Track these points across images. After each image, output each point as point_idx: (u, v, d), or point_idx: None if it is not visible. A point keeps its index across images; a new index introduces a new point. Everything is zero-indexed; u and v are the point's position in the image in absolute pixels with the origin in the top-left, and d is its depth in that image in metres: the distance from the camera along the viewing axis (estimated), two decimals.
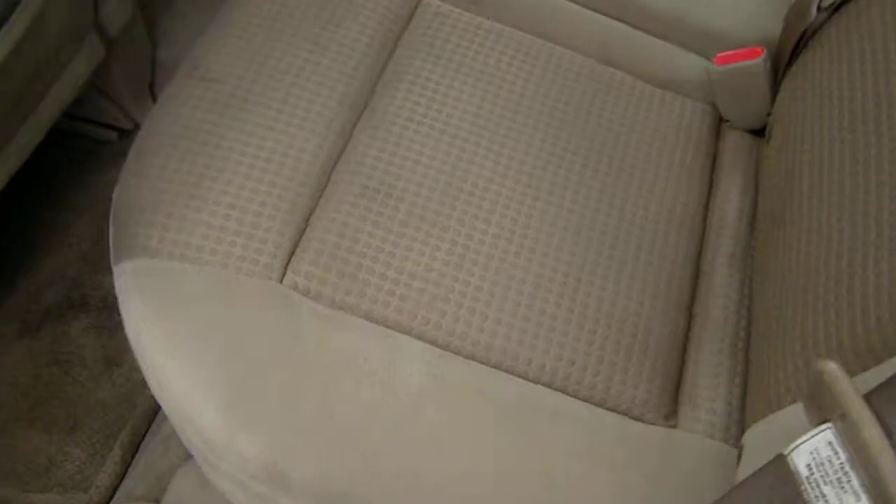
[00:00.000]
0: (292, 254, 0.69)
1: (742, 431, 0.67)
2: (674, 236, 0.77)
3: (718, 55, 0.85)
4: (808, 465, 0.40)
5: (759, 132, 0.88)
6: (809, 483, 0.40)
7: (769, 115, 0.85)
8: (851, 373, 0.51)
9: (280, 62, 0.78)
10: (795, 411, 0.56)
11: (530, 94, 0.83)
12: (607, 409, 0.67)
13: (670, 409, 0.69)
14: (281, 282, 0.67)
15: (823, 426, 0.40)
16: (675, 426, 0.68)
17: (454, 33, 0.85)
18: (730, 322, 0.73)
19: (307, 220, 0.71)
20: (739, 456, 0.61)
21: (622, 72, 0.88)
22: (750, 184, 0.83)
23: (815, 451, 0.40)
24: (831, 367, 0.40)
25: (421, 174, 0.75)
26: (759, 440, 0.59)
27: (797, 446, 0.41)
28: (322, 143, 0.75)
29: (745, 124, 0.88)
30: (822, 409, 0.41)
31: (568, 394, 0.67)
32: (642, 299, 0.72)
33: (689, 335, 0.73)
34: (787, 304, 0.62)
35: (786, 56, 0.79)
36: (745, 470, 0.59)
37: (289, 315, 0.65)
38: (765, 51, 0.82)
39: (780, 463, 0.42)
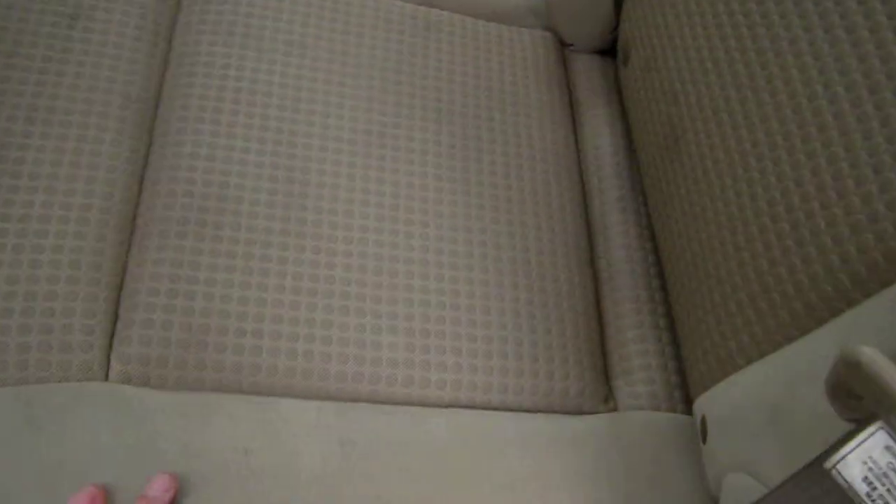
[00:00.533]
0: (112, 336, 0.52)
1: (687, 395, 0.60)
2: (554, 191, 0.68)
3: None
4: (867, 479, 0.32)
5: (606, 52, 0.80)
6: (873, 500, 0.32)
7: (614, 31, 0.77)
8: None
9: (23, 81, 0.58)
10: (755, 372, 0.49)
11: (353, 57, 0.69)
12: (543, 412, 0.58)
13: (606, 391, 0.60)
14: (107, 378, 0.50)
15: (872, 427, 0.33)
16: (615, 409, 0.60)
17: (241, 1, 0.69)
18: (638, 275, 0.65)
19: (120, 284, 0.54)
20: (703, 425, 0.54)
21: (446, 11, 0.76)
22: (616, 113, 0.75)
23: (869, 459, 0.32)
24: (871, 355, 0.32)
25: (252, 183, 0.60)
26: (721, 408, 0.52)
27: (842, 457, 0.33)
28: (112, 173, 0.57)
29: (589, 46, 0.79)
30: (862, 403, 0.33)
31: (495, 408, 0.57)
32: (541, 282, 0.63)
33: (601, 301, 0.65)
34: (705, 250, 0.55)
35: None
36: (717, 441, 0.52)
37: (129, 421, 0.49)
38: None
39: (817, 475, 0.34)
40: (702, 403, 0.55)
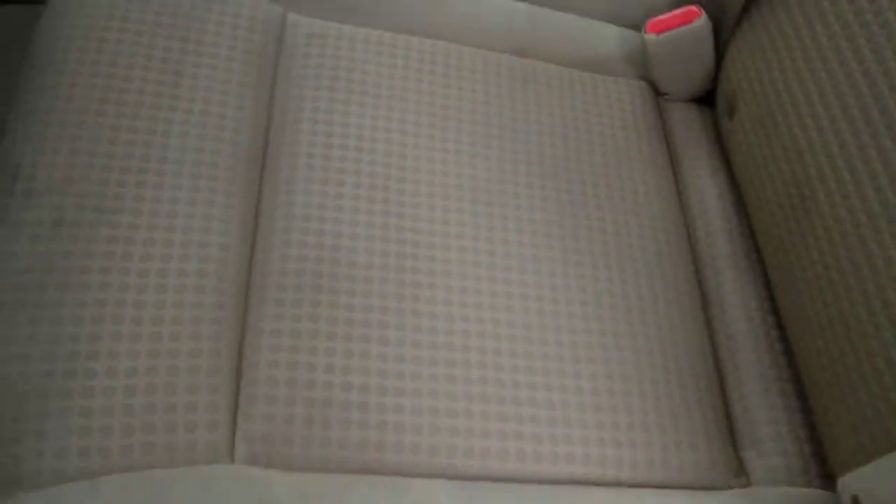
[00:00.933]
0: (236, 414, 0.49)
1: (822, 467, 0.57)
2: (663, 249, 0.65)
3: (649, 23, 0.73)
4: None
5: (702, 101, 0.78)
6: None
7: (714, 80, 0.75)
8: None
9: (131, 144, 0.57)
10: None
11: (454, 109, 0.67)
12: (675, 487, 0.55)
13: (736, 463, 0.57)
14: (233, 460, 0.48)
15: None
16: (748, 483, 0.57)
17: (341, 51, 0.67)
18: (759, 337, 0.62)
19: (239, 355, 0.52)
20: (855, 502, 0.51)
21: (541, 62, 0.74)
22: (718, 165, 0.73)
23: None
24: None
25: (364, 244, 0.57)
26: (883, 488, 0.49)
27: None
28: (225, 237, 0.55)
29: (686, 95, 0.77)
30: None
31: (628, 484, 0.54)
32: (660, 346, 0.60)
33: (720, 365, 0.62)
34: (848, 318, 0.52)
35: (733, 14, 0.69)
36: None
37: None
38: (703, 11, 0.71)
39: None
40: (852, 482, 0.52)
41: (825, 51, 0.58)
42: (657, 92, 0.77)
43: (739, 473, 0.57)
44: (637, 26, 0.78)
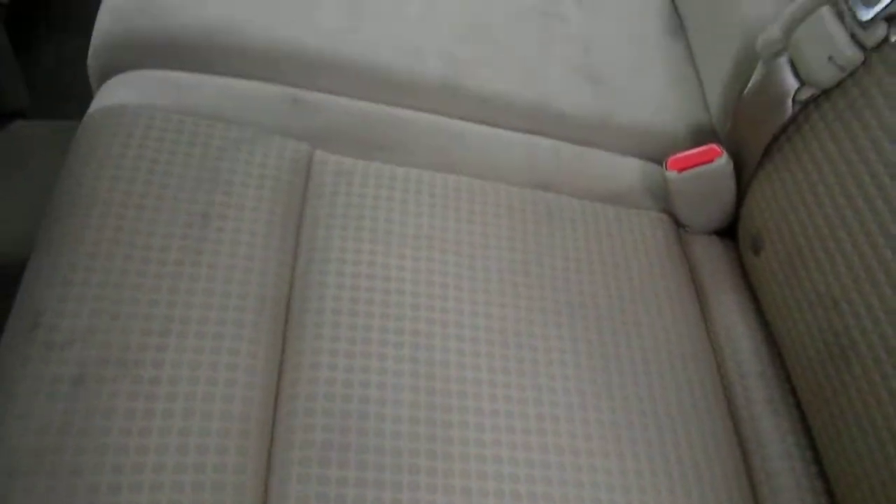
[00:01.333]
0: None
1: None
2: (697, 392, 0.63)
3: (671, 159, 0.74)
4: None
5: (723, 233, 0.78)
6: None
7: (736, 214, 0.75)
8: None
9: (156, 290, 0.55)
10: None
11: (480, 248, 0.67)
12: None
13: None
14: None
15: None
16: None
17: (367, 189, 0.67)
18: (804, 490, 0.60)
19: None
20: None
21: (564, 195, 0.74)
22: (746, 301, 0.72)
23: None
24: None
25: (393, 396, 0.55)
26: None
27: None
28: (250, 391, 0.53)
29: (708, 229, 0.77)
30: None
31: None
32: (701, 500, 0.57)
33: None
34: (891, 485, 0.50)
35: (755, 153, 0.69)
36: None
37: None
38: (724, 150, 0.72)
39: None
40: None
41: (850, 192, 0.58)
42: (678, 223, 0.77)
43: None
44: (658, 159, 0.79)
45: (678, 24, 0.91)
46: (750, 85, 0.71)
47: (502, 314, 0.63)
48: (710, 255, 0.76)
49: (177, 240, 0.58)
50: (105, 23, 0.68)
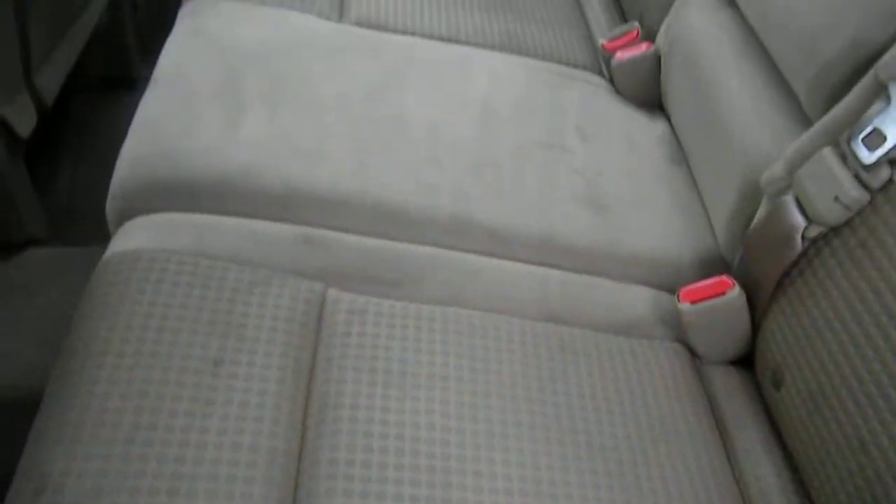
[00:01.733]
0: None
1: None
2: None
3: (682, 291, 0.74)
4: None
5: (739, 362, 0.77)
6: None
7: (752, 345, 0.74)
8: None
9: (166, 444, 0.54)
10: None
11: (496, 385, 0.66)
12: None
13: None
14: None
15: None
16: None
17: (381, 328, 0.67)
18: None
19: None
20: None
21: (576, 327, 0.74)
22: (769, 436, 0.70)
23: None
24: None
25: None
26: None
27: None
28: None
29: (723, 359, 0.76)
30: None
31: None
32: None
33: None
34: None
35: (768, 287, 0.69)
36: None
37: None
38: (735, 282, 0.72)
39: None
40: None
41: (869, 332, 0.58)
42: (693, 353, 0.76)
43: None
44: (666, 287, 0.79)
45: (682, 153, 0.94)
46: (756, 220, 0.72)
47: (520, 459, 0.61)
48: (729, 388, 0.74)
49: (188, 389, 0.57)
50: (125, 170, 0.70)
